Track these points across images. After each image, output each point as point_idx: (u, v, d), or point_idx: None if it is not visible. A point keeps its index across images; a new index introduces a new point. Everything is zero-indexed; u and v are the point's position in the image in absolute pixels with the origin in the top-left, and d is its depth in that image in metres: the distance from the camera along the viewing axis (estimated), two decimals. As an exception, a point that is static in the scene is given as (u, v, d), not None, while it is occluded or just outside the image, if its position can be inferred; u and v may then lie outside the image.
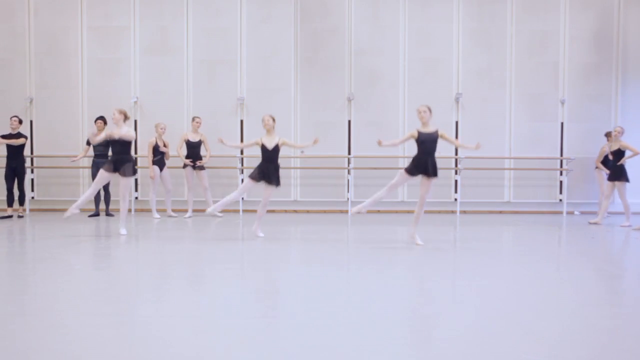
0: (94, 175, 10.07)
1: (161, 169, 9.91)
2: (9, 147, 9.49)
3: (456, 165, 11.00)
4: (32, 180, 11.02)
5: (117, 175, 7.48)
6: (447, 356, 3.06)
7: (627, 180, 9.14)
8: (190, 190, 10.02)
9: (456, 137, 11.10)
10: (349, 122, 11.07)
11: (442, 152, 11.01)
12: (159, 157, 9.84)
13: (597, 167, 10.25)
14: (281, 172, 10.93)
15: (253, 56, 11.08)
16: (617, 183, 9.17)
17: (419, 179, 6.68)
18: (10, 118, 9.65)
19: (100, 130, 10.16)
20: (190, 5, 11.07)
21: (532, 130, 11.11)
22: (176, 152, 10.04)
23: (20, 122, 9.70)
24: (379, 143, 6.71)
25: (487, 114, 11.11)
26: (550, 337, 3.39)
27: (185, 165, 9.94)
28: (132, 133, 7.54)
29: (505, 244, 7.99)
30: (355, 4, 11.09)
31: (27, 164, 10.91)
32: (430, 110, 6.75)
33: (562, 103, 11.13)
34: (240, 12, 11.10)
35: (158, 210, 10.12)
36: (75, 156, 10.15)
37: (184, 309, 4.05)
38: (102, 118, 10.24)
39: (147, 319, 3.75)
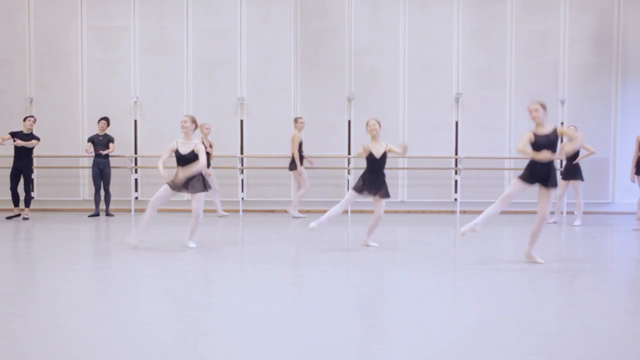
0: (94, 175, 10.05)
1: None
2: (17, 147, 9.28)
3: (456, 165, 11.00)
4: (32, 180, 11.01)
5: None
6: (447, 356, 3.06)
7: (581, 179, 9.31)
8: (307, 190, 10.03)
9: (456, 137, 11.10)
10: (349, 122, 11.07)
11: (442, 151, 11.06)
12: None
13: None
14: (282, 172, 11.06)
15: (253, 56, 11.08)
16: (572, 182, 9.33)
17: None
18: (26, 118, 9.43)
19: (102, 130, 10.15)
20: (190, 5, 11.07)
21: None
22: (294, 153, 9.78)
23: (35, 121, 9.61)
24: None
25: (487, 114, 11.11)
26: (550, 337, 3.40)
27: (294, 167, 9.80)
28: (202, 149, 6.33)
29: (505, 244, 8.00)
30: (355, 4, 11.09)
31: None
32: (544, 107, 5.67)
33: (562, 103, 11.12)
34: (240, 12, 11.10)
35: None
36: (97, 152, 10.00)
37: (184, 309, 4.05)
38: (105, 119, 10.24)
39: (148, 319, 3.75)
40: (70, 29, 11.09)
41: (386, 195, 6.52)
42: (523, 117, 11.11)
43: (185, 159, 6.31)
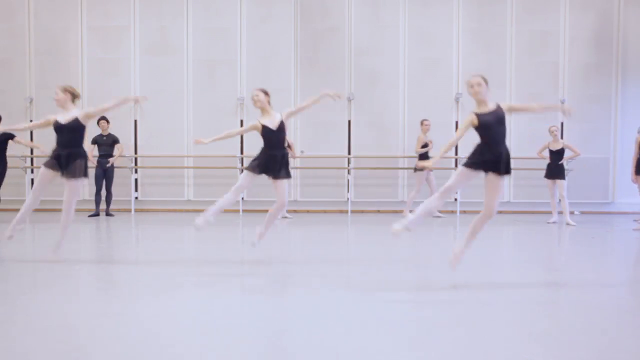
0: (97, 176, 10.02)
1: None
2: None
3: (456, 166, 10.99)
4: (32, 180, 11.00)
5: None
6: (447, 356, 3.06)
7: (564, 178, 9.42)
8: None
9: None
10: (349, 122, 11.07)
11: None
12: None
13: None
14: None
15: (253, 56, 11.08)
16: (558, 181, 9.40)
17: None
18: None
19: (105, 129, 10.14)
20: (190, 5, 11.07)
21: (532, 130, 11.08)
22: (417, 153, 9.97)
23: None
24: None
25: (487, 114, 11.08)
26: (551, 337, 3.39)
27: (417, 169, 9.87)
28: (81, 114, 5.63)
29: (505, 244, 8.00)
30: (355, 4, 11.09)
31: (21, 164, 10.76)
32: (485, 81, 4.71)
33: (562, 103, 11.12)
34: (240, 12, 11.10)
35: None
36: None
37: (184, 309, 4.05)
38: (104, 118, 10.23)
39: (148, 319, 3.74)
40: (70, 29, 11.09)
41: (288, 175, 5.67)
42: (523, 117, 11.12)
43: (65, 129, 5.61)
